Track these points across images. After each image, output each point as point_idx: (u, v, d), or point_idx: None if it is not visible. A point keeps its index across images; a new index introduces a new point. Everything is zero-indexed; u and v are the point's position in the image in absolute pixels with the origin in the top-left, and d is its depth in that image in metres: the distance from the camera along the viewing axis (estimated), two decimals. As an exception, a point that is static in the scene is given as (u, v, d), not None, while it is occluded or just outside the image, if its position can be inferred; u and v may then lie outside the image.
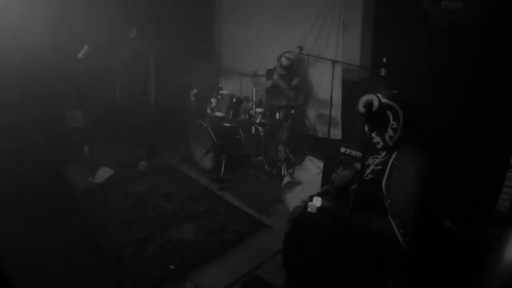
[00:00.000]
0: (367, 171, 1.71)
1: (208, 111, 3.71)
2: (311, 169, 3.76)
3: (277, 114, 3.57)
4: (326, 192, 1.81)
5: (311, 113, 4.25)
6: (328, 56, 3.78)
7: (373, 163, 1.70)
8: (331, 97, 3.63)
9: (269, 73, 4.03)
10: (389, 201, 1.54)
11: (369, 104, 1.49)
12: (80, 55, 3.58)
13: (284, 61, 3.90)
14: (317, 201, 1.69)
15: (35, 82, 3.66)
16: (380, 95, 1.54)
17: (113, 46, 3.99)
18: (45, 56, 3.60)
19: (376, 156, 1.71)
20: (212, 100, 3.69)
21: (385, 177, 1.59)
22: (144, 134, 4.34)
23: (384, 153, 1.68)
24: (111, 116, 4.31)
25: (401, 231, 1.46)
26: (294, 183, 3.36)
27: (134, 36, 3.86)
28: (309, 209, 1.69)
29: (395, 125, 1.55)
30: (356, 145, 2.98)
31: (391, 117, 1.55)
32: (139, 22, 3.96)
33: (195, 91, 3.93)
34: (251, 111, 3.64)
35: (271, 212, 3.01)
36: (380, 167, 1.65)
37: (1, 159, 3.13)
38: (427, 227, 1.52)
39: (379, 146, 1.62)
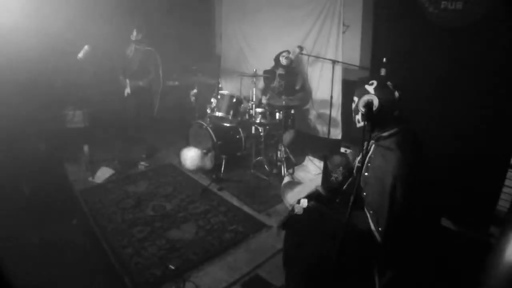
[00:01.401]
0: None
1: (208, 111, 3.70)
2: (311, 169, 3.76)
3: (277, 114, 3.57)
4: (315, 195, 1.81)
5: (311, 113, 4.25)
6: (328, 56, 3.78)
7: (356, 160, 1.73)
8: (331, 97, 3.63)
9: (266, 73, 4.01)
10: (364, 193, 1.57)
11: (369, 104, 1.50)
12: (80, 55, 3.58)
13: (283, 61, 3.91)
14: (304, 203, 1.74)
15: (35, 82, 3.66)
16: (375, 82, 1.55)
17: (114, 47, 3.99)
18: (45, 57, 3.60)
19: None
20: (212, 100, 3.69)
21: (363, 171, 1.61)
22: (146, 134, 4.34)
23: (364, 148, 1.69)
24: (112, 116, 4.31)
25: (374, 221, 1.47)
26: (294, 183, 3.36)
27: (135, 39, 3.86)
28: (296, 211, 1.74)
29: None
30: (356, 145, 2.98)
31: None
32: (140, 23, 3.95)
33: (195, 91, 3.93)
34: (251, 111, 3.64)
35: (271, 212, 3.01)
36: (359, 165, 1.66)
37: (1, 159, 3.13)
38: (422, 221, 1.52)
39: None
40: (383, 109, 1.50)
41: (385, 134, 1.55)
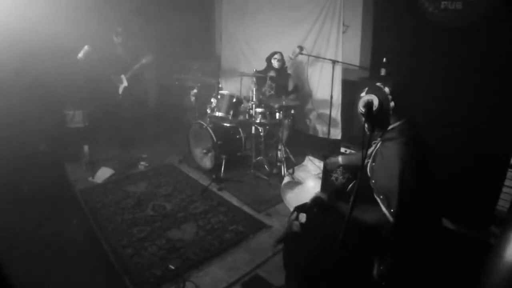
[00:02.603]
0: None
1: (208, 111, 3.70)
2: (311, 169, 3.75)
3: (277, 114, 3.56)
4: (318, 203, 1.79)
5: (311, 113, 4.25)
6: (328, 56, 3.78)
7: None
8: (331, 97, 3.63)
9: (260, 73, 3.94)
10: (373, 181, 1.60)
11: (369, 104, 1.51)
12: (80, 55, 3.58)
13: (275, 64, 3.92)
14: (302, 218, 1.72)
15: (35, 82, 3.66)
16: (364, 91, 1.60)
17: (110, 46, 4.00)
18: (45, 56, 3.60)
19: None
20: (212, 100, 3.69)
21: (369, 162, 1.66)
22: (145, 133, 4.35)
23: (371, 148, 1.72)
24: (112, 116, 4.32)
25: (386, 204, 1.50)
26: (294, 183, 3.36)
27: (117, 41, 3.89)
28: (294, 229, 1.72)
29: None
30: (356, 145, 2.98)
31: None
32: (116, 25, 3.97)
33: (195, 91, 3.93)
34: (251, 111, 3.64)
35: (271, 212, 3.01)
36: (367, 160, 1.69)
37: (1, 158, 3.13)
38: (425, 220, 1.54)
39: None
40: (383, 108, 1.53)
41: (389, 129, 1.59)
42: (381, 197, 1.52)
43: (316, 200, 1.74)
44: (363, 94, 1.61)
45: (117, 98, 4.06)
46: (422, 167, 1.53)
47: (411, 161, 1.46)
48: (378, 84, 1.59)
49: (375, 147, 1.69)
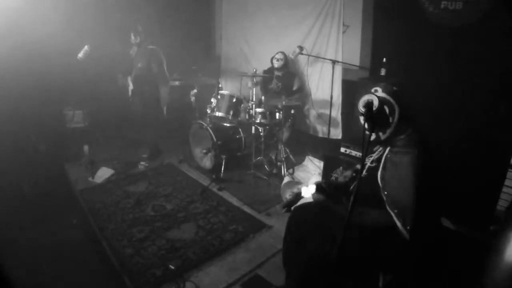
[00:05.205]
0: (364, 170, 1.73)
1: (208, 111, 3.70)
2: (311, 169, 3.76)
3: (277, 114, 3.57)
4: (319, 187, 1.81)
5: (311, 113, 4.25)
6: (328, 56, 3.78)
7: (368, 161, 1.72)
8: (331, 97, 3.63)
9: (266, 72, 4.04)
10: (385, 192, 1.56)
11: (369, 104, 1.50)
12: (80, 55, 3.58)
13: (275, 63, 3.97)
14: (312, 188, 1.79)
15: (35, 82, 3.66)
16: (380, 89, 1.58)
17: (117, 47, 3.99)
18: (45, 56, 3.60)
19: (370, 155, 1.73)
20: (212, 100, 3.69)
21: (380, 170, 1.62)
22: (147, 134, 4.33)
23: (378, 150, 1.70)
24: (112, 116, 4.32)
25: (401, 220, 1.47)
26: (294, 183, 3.36)
27: (134, 42, 3.86)
28: (303, 194, 1.81)
29: (390, 120, 1.57)
30: (356, 145, 2.98)
31: (387, 112, 1.56)
32: (135, 26, 3.93)
33: (195, 91, 3.93)
34: (251, 111, 3.64)
35: (271, 212, 3.01)
36: (375, 164, 1.67)
37: (2, 158, 3.13)
38: (425, 220, 1.53)
39: (372, 138, 1.59)
40: (383, 109, 1.52)
41: (402, 136, 1.57)
42: (396, 211, 1.49)
43: (317, 185, 1.78)
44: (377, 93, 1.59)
45: (129, 100, 4.04)
46: (431, 176, 1.53)
47: (425, 175, 1.46)
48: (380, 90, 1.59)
49: (383, 153, 1.65)
